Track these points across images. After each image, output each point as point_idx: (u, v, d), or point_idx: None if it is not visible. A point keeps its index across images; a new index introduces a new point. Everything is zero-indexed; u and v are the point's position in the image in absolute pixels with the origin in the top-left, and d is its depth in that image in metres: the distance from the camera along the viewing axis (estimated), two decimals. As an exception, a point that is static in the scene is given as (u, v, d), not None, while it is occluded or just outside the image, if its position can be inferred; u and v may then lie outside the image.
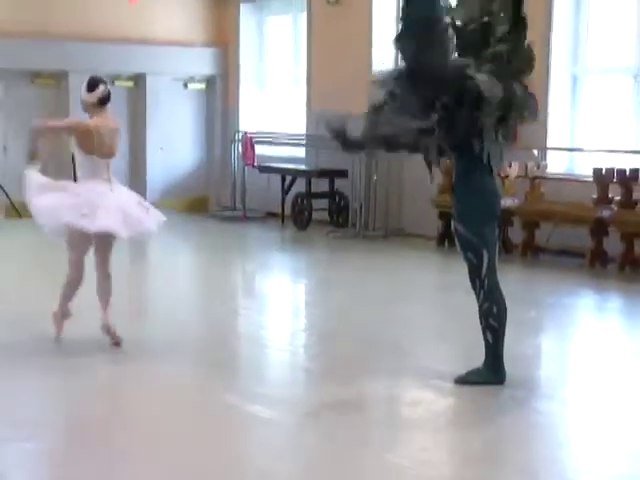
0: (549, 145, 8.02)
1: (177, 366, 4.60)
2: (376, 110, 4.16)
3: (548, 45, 7.88)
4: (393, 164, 9.24)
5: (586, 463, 3.49)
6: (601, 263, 7.33)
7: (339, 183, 9.44)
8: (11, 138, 9.76)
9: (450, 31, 4.12)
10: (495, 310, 4.20)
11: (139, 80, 10.51)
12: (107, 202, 4.68)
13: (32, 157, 4.86)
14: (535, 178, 7.69)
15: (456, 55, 4.13)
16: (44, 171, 4.90)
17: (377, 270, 7.49)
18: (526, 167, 7.63)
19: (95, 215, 4.60)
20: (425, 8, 4.08)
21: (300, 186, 9.61)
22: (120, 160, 10.40)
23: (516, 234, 7.82)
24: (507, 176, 7.62)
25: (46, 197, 4.71)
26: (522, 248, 7.78)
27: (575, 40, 8.04)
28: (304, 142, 10.13)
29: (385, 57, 9.31)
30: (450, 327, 5.49)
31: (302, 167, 9.91)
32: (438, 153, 4.16)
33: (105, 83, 4.87)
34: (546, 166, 7.87)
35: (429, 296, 6.67)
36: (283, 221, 9.83)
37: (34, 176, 4.78)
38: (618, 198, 7.15)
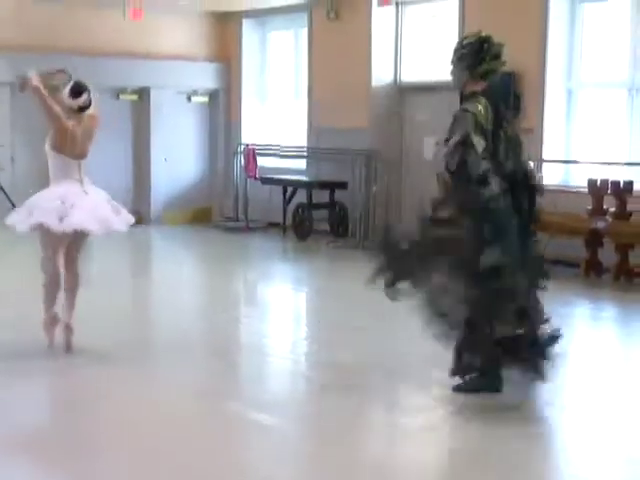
0: (545, 157, 8.14)
1: (180, 374, 4.65)
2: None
3: (544, 60, 8.04)
4: (392, 176, 9.40)
5: (584, 469, 3.54)
6: (596, 273, 7.44)
7: (339, 194, 9.56)
8: (18, 150, 9.94)
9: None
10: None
11: (143, 93, 10.67)
12: (81, 202, 4.75)
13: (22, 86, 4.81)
14: (531, 190, 7.82)
15: None
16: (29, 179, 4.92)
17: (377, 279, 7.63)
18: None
19: (70, 215, 4.66)
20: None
21: (301, 197, 9.74)
22: (124, 171, 10.75)
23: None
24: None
25: (34, 197, 4.80)
26: (519, 258, 7.91)
27: (570, 55, 8.18)
28: (305, 154, 10.28)
29: (384, 73, 9.50)
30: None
31: (303, 179, 10.04)
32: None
33: (89, 91, 4.86)
34: (542, 178, 7.99)
35: (427, 305, 6.79)
36: (284, 231, 9.95)
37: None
38: (612, 209, 7.26)
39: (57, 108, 4.77)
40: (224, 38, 11.11)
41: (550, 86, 8.12)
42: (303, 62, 10.35)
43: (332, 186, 9.58)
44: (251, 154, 10.24)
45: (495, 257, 4.02)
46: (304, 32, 10.26)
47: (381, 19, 9.41)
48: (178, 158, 10.90)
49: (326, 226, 9.68)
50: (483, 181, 4.05)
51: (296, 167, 10.35)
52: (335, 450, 3.66)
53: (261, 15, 10.75)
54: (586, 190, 7.45)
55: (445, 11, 9.01)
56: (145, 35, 10.53)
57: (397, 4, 9.13)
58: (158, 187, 10.76)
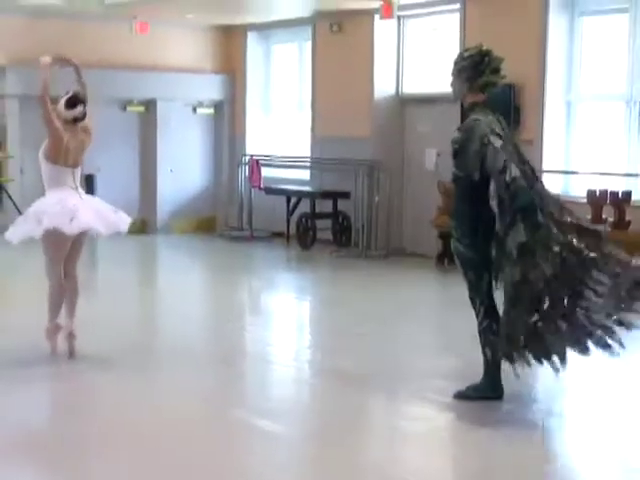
0: (544, 168, 8.21)
1: (184, 381, 4.70)
2: None
3: (543, 73, 8.13)
4: (394, 186, 9.51)
5: (583, 476, 3.59)
6: (595, 282, 7.54)
7: (342, 204, 9.64)
8: (27, 161, 10.08)
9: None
10: (495, 327, 4.26)
11: (150, 105, 10.80)
12: (82, 205, 4.87)
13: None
14: (531, 200, 7.91)
15: None
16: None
17: (379, 288, 7.64)
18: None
19: (76, 217, 4.77)
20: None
21: (305, 207, 9.83)
22: (131, 182, 10.89)
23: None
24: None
25: (35, 205, 4.90)
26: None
27: (569, 68, 8.26)
28: (308, 165, 10.38)
29: (386, 85, 9.63)
30: (449, 344, 5.61)
31: (306, 189, 10.14)
32: None
33: (84, 104, 4.95)
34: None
35: (429, 313, 6.80)
36: (288, 241, 10.02)
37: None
38: (611, 219, 7.33)
39: (57, 122, 4.89)
40: (229, 51, 11.26)
41: (550, 98, 8.22)
42: (307, 74, 10.48)
43: (335, 196, 9.67)
44: (255, 165, 10.36)
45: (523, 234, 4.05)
46: (308, 45, 10.39)
47: (383, 32, 9.53)
48: (184, 168, 11.02)
49: (329, 235, 9.76)
50: (504, 170, 4.12)
51: (300, 177, 10.45)
52: (337, 456, 3.70)
53: (265, 28, 10.88)
54: (585, 200, 7.52)
55: (446, 24, 9.12)
56: (151, 48, 10.68)
57: (399, 17, 9.25)
58: (164, 197, 10.88)
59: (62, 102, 4.94)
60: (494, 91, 4.41)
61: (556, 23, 8.17)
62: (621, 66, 7.92)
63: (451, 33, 8.91)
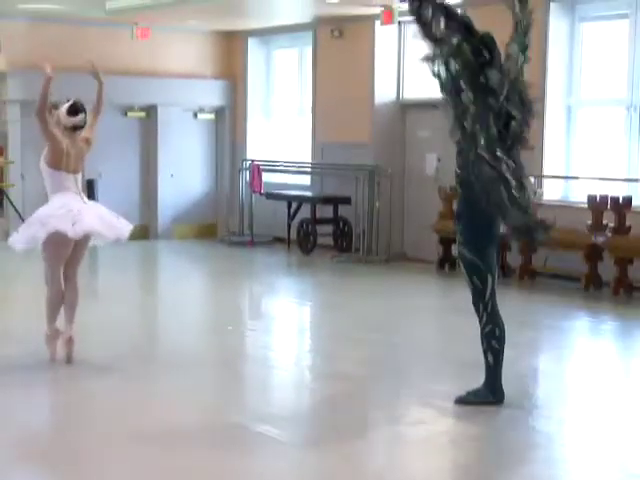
0: (545, 173, 8.24)
1: (184, 385, 4.71)
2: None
3: (544, 78, 8.13)
4: (395, 191, 9.52)
5: None
6: (596, 287, 7.52)
7: (343, 209, 9.66)
8: (29, 167, 10.10)
9: None
10: (497, 333, 4.29)
11: (151, 111, 10.82)
12: (86, 209, 4.92)
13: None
14: (532, 205, 7.92)
15: None
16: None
17: (379, 293, 7.66)
18: (523, 194, 7.87)
19: (79, 220, 4.81)
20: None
21: (305, 212, 9.85)
22: (132, 187, 10.89)
23: (514, 258, 8.03)
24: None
25: (39, 210, 4.92)
26: (520, 272, 7.97)
27: (569, 73, 8.30)
28: (309, 170, 10.40)
29: (386, 90, 9.65)
30: (450, 348, 5.62)
31: (307, 194, 10.14)
32: None
33: (85, 112, 5.01)
34: (542, 193, 8.08)
35: (430, 318, 6.81)
36: (289, 246, 10.04)
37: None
38: (612, 224, 7.34)
39: (55, 129, 4.92)
40: (230, 56, 11.29)
41: (550, 103, 8.24)
42: (307, 80, 10.51)
43: (336, 201, 9.69)
44: (256, 170, 10.38)
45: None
46: (309, 50, 10.41)
47: (384, 38, 9.55)
48: (185, 174, 11.04)
49: (330, 241, 9.78)
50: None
51: (300, 183, 10.47)
52: (338, 461, 3.71)
53: (266, 34, 10.91)
54: (586, 205, 7.54)
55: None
56: (152, 54, 10.71)
57: (400, 23, 9.28)
58: (165, 202, 10.89)
59: (63, 109, 4.98)
60: None
61: (557, 29, 8.20)
62: (621, 71, 7.95)
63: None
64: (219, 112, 11.29)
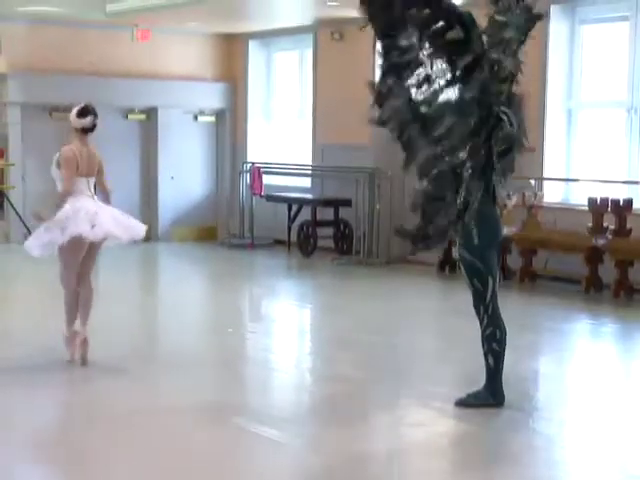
0: (545, 175, 8.24)
1: (185, 388, 4.72)
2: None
3: (544, 80, 8.15)
4: (395, 194, 9.51)
5: None
6: (596, 289, 7.51)
7: (343, 212, 9.67)
8: (29, 169, 10.11)
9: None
10: (498, 335, 4.29)
11: (151, 113, 10.83)
12: (102, 212, 4.95)
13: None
14: (532, 207, 7.86)
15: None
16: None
17: (380, 296, 7.66)
18: (524, 197, 7.79)
19: (98, 223, 4.86)
20: None
21: (306, 215, 9.85)
22: (133, 189, 10.89)
23: (514, 261, 8.03)
24: (506, 205, 7.85)
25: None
26: (520, 274, 7.97)
27: (570, 76, 8.31)
28: (310, 172, 10.41)
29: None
30: (450, 351, 5.62)
31: (308, 196, 10.16)
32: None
33: (95, 115, 5.05)
34: (543, 196, 8.07)
35: (430, 321, 6.82)
36: (289, 248, 10.04)
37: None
38: (612, 227, 7.34)
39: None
40: (230, 59, 11.29)
41: (550, 106, 8.25)
42: (308, 82, 10.52)
43: (336, 203, 9.70)
44: (256, 172, 10.38)
45: None
46: (309, 53, 10.43)
47: (385, 40, 9.56)
48: (185, 176, 11.04)
49: (330, 243, 9.77)
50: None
51: (301, 185, 10.48)
52: (338, 462, 3.71)
53: (267, 36, 10.92)
54: (586, 208, 7.53)
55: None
56: (153, 56, 10.72)
57: (400, 25, 9.28)
58: (165, 204, 10.90)
59: (74, 111, 5.05)
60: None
61: (557, 31, 8.20)
62: (622, 74, 7.95)
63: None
64: (219, 114, 11.30)
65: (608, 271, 7.40)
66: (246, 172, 10.68)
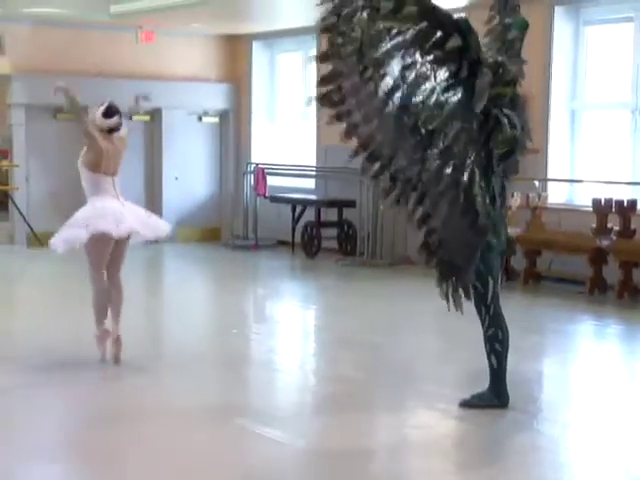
0: (549, 176, 8.23)
1: (189, 388, 4.73)
2: None
3: (548, 81, 8.15)
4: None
5: None
6: (600, 290, 7.50)
7: (347, 213, 9.68)
8: (33, 170, 10.13)
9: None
10: (500, 336, 4.29)
11: (155, 114, 10.85)
12: (126, 210, 5.02)
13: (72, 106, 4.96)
14: (536, 208, 7.85)
15: None
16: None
17: (384, 297, 7.67)
18: (527, 198, 7.80)
19: (123, 221, 4.92)
20: None
21: (310, 216, 9.86)
22: (137, 190, 10.91)
23: (518, 262, 8.02)
24: (509, 206, 7.85)
25: (79, 212, 4.99)
26: (524, 275, 7.96)
27: (574, 77, 8.30)
28: (314, 173, 10.42)
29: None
30: (454, 352, 5.63)
31: (312, 197, 10.16)
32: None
33: (120, 115, 5.13)
34: (547, 197, 8.06)
35: (434, 321, 6.78)
36: (293, 249, 10.05)
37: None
38: (617, 228, 7.33)
39: (95, 132, 4.99)
40: (234, 60, 11.31)
41: (555, 107, 8.25)
42: (312, 83, 10.52)
43: (340, 204, 9.70)
44: (260, 173, 10.39)
45: None
46: (312, 53, 10.43)
47: (388, 41, 9.56)
48: (189, 177, 11.06)
49: (334, 244, 9.79)
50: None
51: (305, 186, 10.48)
52: (341, 464, 3.72)
53: (270, 37, 10.93)
54: (590, 209, 7.53)
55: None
56: (157, 57, 10.74)
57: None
58: (169, 205, 10.90)
59: (99, 112, 5.06)
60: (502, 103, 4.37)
61: (561, 32, 8.20)
62: (626, 75, 7.95)
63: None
64: (223, 115, 11.31)
65: (612, 272, 7.39)
66: (250, 173, 10.69)
